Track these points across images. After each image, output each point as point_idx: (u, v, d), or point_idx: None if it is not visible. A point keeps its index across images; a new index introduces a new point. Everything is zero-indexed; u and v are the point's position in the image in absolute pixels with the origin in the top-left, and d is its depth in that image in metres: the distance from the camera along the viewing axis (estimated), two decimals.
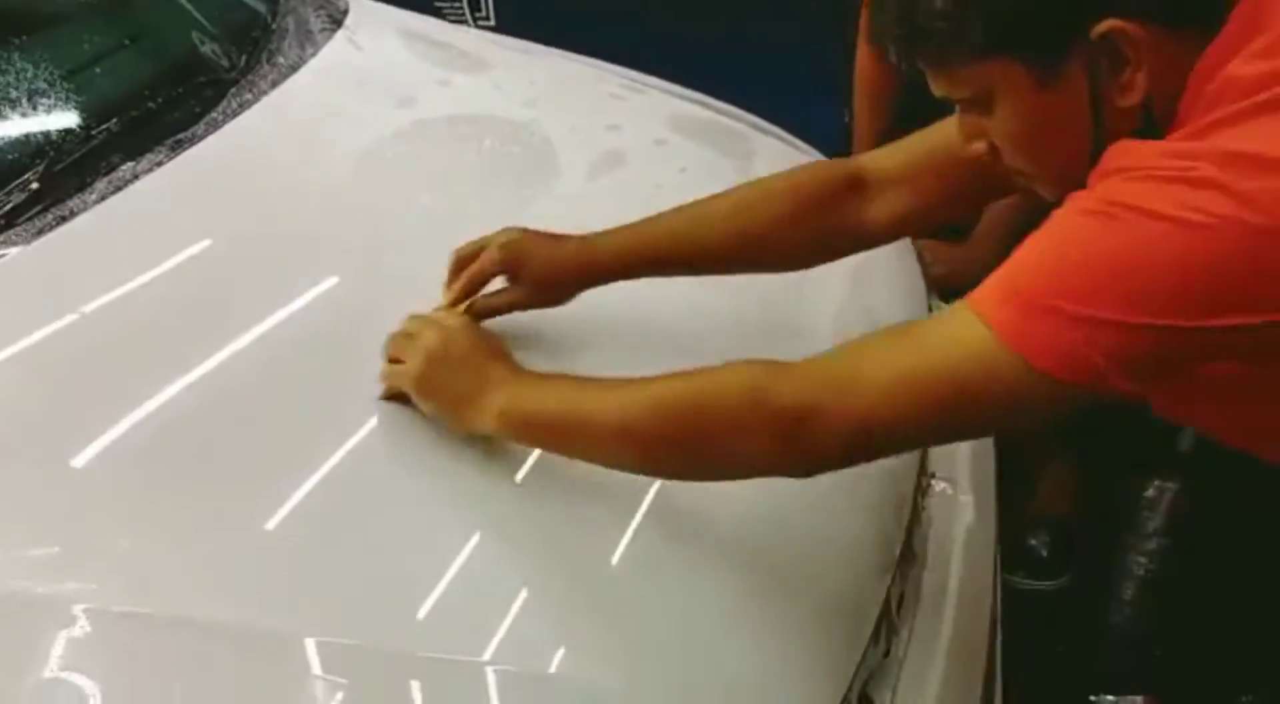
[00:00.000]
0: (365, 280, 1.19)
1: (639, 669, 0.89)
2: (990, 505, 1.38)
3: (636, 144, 1.54)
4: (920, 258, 1.75)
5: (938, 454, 1.38)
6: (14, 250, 1.11)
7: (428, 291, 1.14)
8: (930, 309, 1.67)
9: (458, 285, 1.12)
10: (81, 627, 0.82)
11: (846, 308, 1.40)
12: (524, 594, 0.90)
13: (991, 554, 1.33)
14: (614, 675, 0.87)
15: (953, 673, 1.12)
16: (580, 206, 1.36)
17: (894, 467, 1.22)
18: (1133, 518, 2.09)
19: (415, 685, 0.84)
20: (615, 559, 0.96)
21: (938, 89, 0.93)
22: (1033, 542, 2.06)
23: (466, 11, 3.10)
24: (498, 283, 1.14)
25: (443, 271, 1.14)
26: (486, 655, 0.85)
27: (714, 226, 1.15)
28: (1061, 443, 2.15)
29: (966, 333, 0.82)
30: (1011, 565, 1.91)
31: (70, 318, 1.07)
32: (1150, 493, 2.09)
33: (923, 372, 0.83)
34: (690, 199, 1.45)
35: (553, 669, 0.86)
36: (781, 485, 0.91)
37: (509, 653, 0.85)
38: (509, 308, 1.14)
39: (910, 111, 1.16)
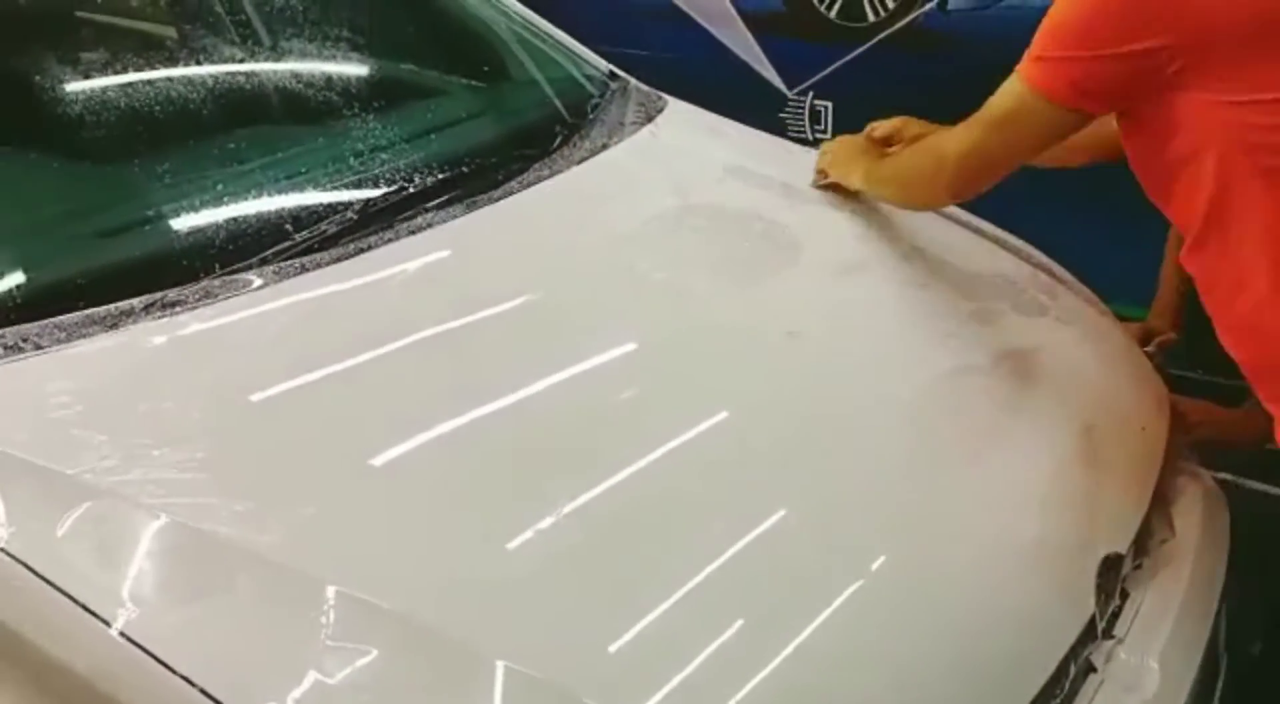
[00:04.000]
0: (597, 332, 1.36)
1: None
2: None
3: (883, 255, 1.60)
4: (1183, 418, 1.66)
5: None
6: (318, 270, 1.37)
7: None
8: (1179, 471, 1.58)
9: None
10: (328, 605, 0.98)
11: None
12: (699, 661, 0.99)
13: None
14: None
15: None
16: (801, 307, 1.46)
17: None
18: None
19: None
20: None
21: None
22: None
23: (806, 124, 3.27)
24: None
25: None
26: None
27: None
28: None
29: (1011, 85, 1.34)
30: None
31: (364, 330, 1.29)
32: None
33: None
34: (918, 312, 1.51)
35: None
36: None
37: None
38: None
39: None
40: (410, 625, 0.98)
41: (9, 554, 0.99)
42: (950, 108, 2.89)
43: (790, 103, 3.27)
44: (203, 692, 0.90)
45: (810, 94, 3.25)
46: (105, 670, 0.93)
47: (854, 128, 3.10)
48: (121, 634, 0.93)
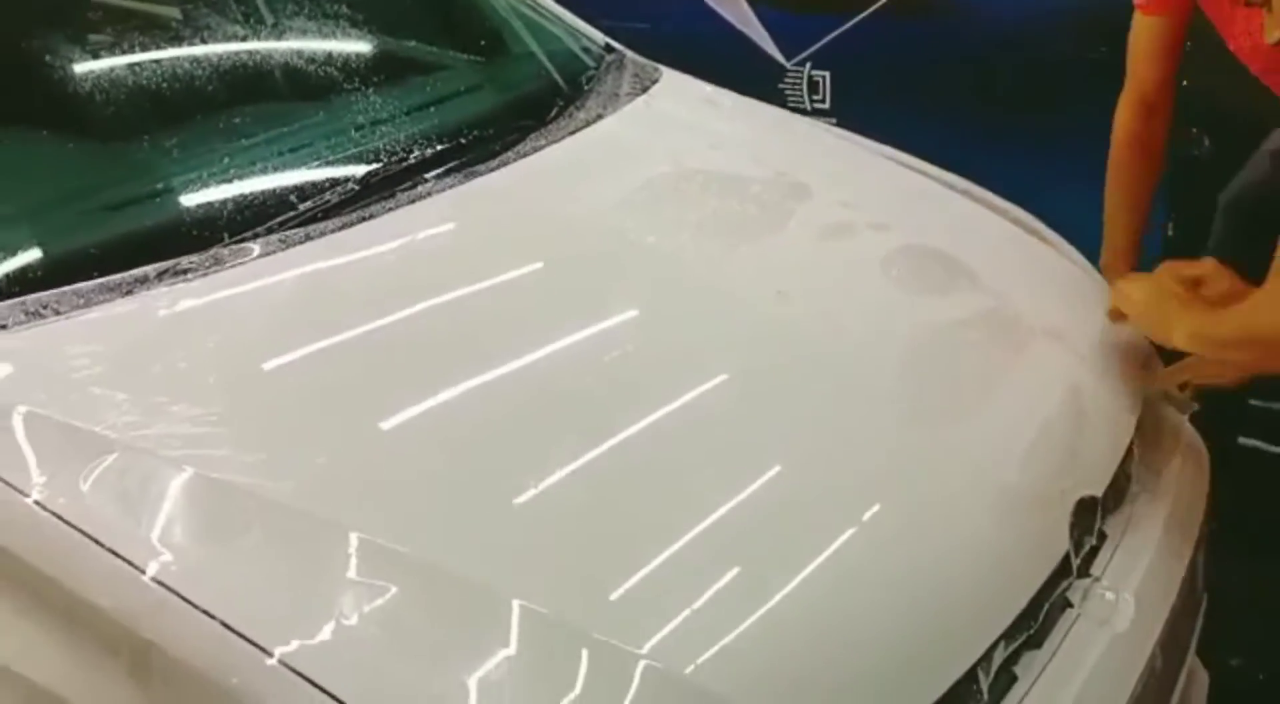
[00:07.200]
0: (592, 295, 1.42)
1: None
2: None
3: (871, 217, 1.65)
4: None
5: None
6: (322, 238, 1.43)
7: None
8: (1159, 421, 1.63)
9: None
10: (363, 555, 1.04)
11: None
12: (699, 601, 1.05)
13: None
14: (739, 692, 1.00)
15: None
16: (789, 267, 1.51)
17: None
18: None
19: (580, 660, 0.99)
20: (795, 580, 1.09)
21: None
22: None
23: (805, 94, 3.31)
24: None
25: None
26: (645, 649, 1.00)
27: None
28: None
29: None
30: None
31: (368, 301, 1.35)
32: None
33: None
34: (905, 271, 1.55)
35: (688, 671, 0.99)
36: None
37: (666, 653, 1.00)
38: None
39: None
40: (428, 567, 1.04)
41: (40, 505, 1.05)
42: (948, 76, 2.95)
43: (789, 73, 3.31)
44: (224, 625, 0.96)
45: (808, 64, 3.29)
46: (132, 609, 0.99)
47: (851, 97, 3.19)
48: (145, 573, 0.99)
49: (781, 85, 3.31)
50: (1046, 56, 2.87)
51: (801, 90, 3.31)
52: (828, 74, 3.27)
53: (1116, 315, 1.57)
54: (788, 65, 3.30)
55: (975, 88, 2.94)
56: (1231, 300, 1.46)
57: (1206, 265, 1.55)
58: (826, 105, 3.28)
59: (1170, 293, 1.50)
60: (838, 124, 2.57)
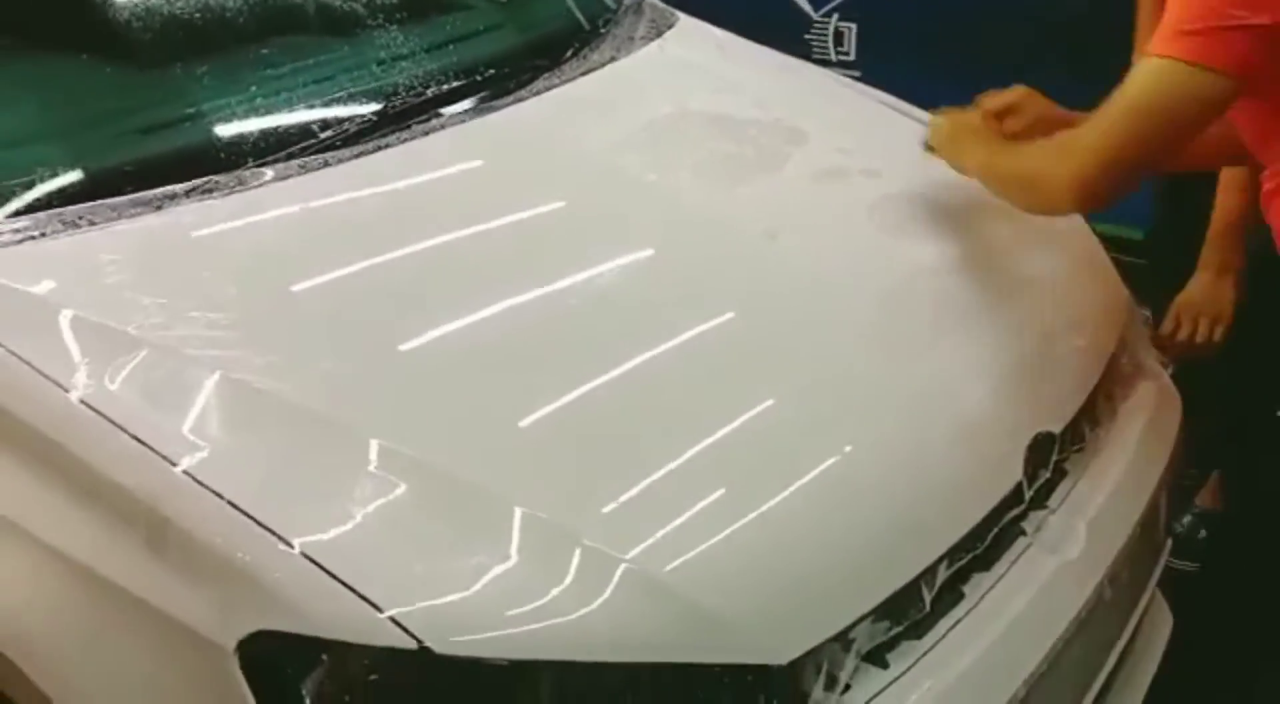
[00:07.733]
0: (592, 228, 1.51)
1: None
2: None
3: (864, 163, 1.72)
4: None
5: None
6: (340, 164, 1.52)
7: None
8: (1136, 370, 1.70)
9: None
10: (371, 454, 1.14)
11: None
12: (681, 516, 1.14)
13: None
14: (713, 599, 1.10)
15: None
16: (781, 209, 1.59)
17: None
18: None
19: (570, 561, 1.08)
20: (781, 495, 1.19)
21: None
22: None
23: (830, 45, 3.35)
24: None
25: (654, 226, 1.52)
26: (629, 554, 1.10)
27: None
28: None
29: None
30: None
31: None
32: None
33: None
34: (893, 217, 1.62)
35: (663, 573, 1.09)
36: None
37: (646, 558, 1.09)
38: None
39: None
40: (436, 470, 1.13)
41: (74, 395, 1.16)
42: (974, 31, 2.98)
43: (815, 24, 3.35)
44: (235, 506, 1.07)
45: (835, 16, 3.32)
46: (151, 487, 1.10)
47: (877, 50, 3.22)
48: (164, 457, 1.10)
49: (808, 36, 3.35)
50: (1072, 14, 2.89)
51: (827, 42, 3.35)
52: (854, 26, 3.30)
53: (928, 147, 1.63)
54: (815, 16, 3.33)
55: (999, 44, 2.97)
56: (1039, 130, 1.53)
57: (1017, 92, 1.61)
58: (851, 57, 3.32)
59: (970, 124, 1.59)
60: (862, 77, 2.61)
